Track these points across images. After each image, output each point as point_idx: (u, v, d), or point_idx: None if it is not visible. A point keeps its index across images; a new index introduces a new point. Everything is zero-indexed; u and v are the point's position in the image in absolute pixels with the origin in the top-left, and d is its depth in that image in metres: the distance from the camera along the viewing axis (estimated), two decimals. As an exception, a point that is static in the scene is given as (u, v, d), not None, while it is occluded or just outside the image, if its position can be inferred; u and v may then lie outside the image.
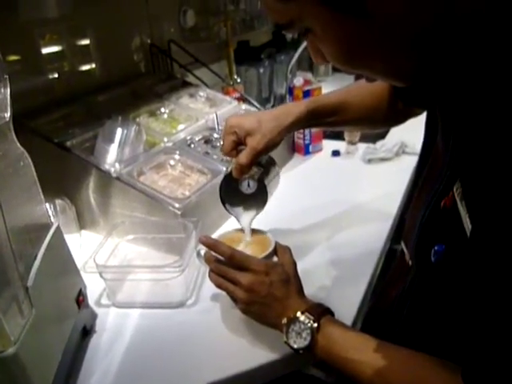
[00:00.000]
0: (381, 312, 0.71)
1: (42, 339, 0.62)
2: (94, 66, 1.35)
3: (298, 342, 0.63)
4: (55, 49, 1.24)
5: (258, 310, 0.68)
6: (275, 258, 0.76)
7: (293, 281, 0.69)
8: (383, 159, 1.36)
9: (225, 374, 0.69)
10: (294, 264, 0.73)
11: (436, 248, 0.52)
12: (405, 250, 0.67)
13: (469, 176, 0.47)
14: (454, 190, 0.49)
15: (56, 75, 1.24)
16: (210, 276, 0.73)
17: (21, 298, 0.58)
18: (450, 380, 0.49)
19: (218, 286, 0.72)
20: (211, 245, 0.71)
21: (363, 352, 0.60)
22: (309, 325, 0.63)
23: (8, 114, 0.59)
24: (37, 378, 0.57)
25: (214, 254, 0.72)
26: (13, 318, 0.56)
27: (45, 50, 1.21)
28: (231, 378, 0.70)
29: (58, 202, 1.04)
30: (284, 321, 0.65)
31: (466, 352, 0.48)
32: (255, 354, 0.72)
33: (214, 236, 0.80)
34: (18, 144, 0.66)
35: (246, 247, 0.78)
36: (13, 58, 1.12)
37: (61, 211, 1.04)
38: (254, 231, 0.82)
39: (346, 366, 0.60)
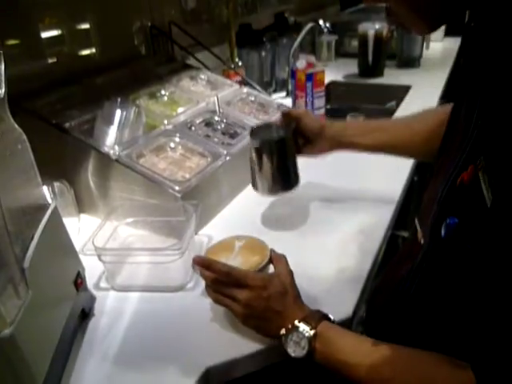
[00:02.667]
0: (387, 290, 0.70)
1: (39, 321, 0.61)
2: (93, 47, 1.32)
3: (297, 352, 0.63)
4: (54, 32, 1.21)
5: (257, 324, 0.69)
6: (271, 267, 0.75)
7: (290, 291, 0.69)
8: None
9: (224, 358, 0.69)
10: (291, 273, 0.72)
11: (448, 221, 0.51)
12: (418, 228, 0.66)
13: (495, 150, 0.46)
14: (477, 164, 0.48)
15: (55, 57, 1.22)
16: (207, 291, 0.73)
17: (17, 280, 0.57)
18: (459, 375, 0.48)
19: (216, 301, 0.72)
20: (206, 265, 0.70)
21: (364, 355, 0.59)
22: (306, 334, 0.63)
23: (2, 91, 0.57)
24: (33, 360, 0.56)
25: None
26: (9, 300, 0.55)
27: (44, 33, 1.18)
28: (231, 362, 0.69)
29: (57, 184, 1.02)
30: (282, 331, 0.65)
31: (475, 342, 0.47)
32: (255, 338, 0.71)
33: (211, 244, 0.80)
34: (15, 124, 0.64)
35: (240, 254, 0.76)
36: (12, 41, 1.10)
37: (59, 194, 1.02)
38: (247, 238, 0.80)
39: (349, 370, 0.60)
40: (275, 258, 0.74)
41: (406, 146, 0.95)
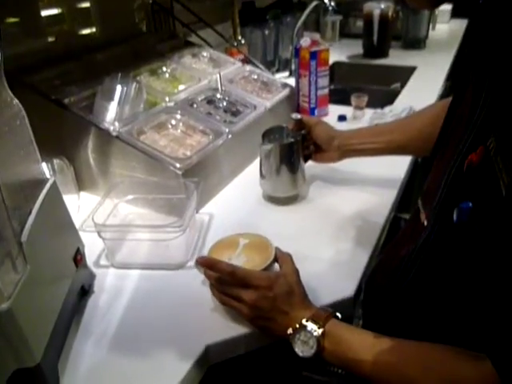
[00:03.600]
0: (387, 270, 0.69)
1: (38, 297, 0.60)
2: (93, 25, 1.29)
3: (305, 351, 0.62)
4: (54, 10, 1.18)
5: (264, 324, 0.67)
6: (276, 265, 0.73)
7: (296, 290, 0.67)
8: (391, 125, 1.32)
9: (224, 337, 0.68)
10: (296, 272, 0.71)
11: (461, 206, 0.49)
12: (421, 209, 0.64)
13: (507, 131, 0.45)
14: (487, 145, 0.46)
15: (55, 35, 1.19)
16: (212, 291, 0.72)
17: (14, 254, 0.56)
18: (480, 368, 0.47)
19: (222, 303, 0.71)
20: (210, 265, 0.69)
21: (374, 351, 0.58)
22: (315, 333, 0.62)
23: (-2, 59, 0.55)
24: (32, 335, 0.56)
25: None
26: (6, 274, 0.54)
27: (44, 11, 1.16)
28: (231, 340, 0.68)
29: (56, 161, 1.01)
30: (289, 331, 0.64)
31: (484, 329, 0.45)
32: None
33: (217, 238, 0.78)
34: (13, 96, 0.62)
35: (244, 252, 0.74)
36: (12, 19, 1.07)
37: (58, 171, 1.01)
38: (252, 235, 0.78)
39: (360, 367, 0.59)
40: (280, 257, 0.73)
41: (414, 144, 0.95)
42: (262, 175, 1.00)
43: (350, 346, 0.61)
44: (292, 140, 0.97)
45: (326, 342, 0.61)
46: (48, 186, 0.67)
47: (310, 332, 0.62)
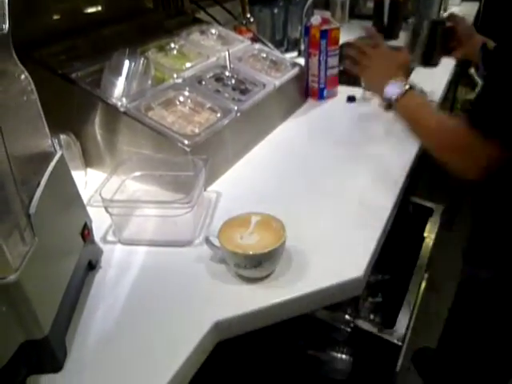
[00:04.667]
0: None
1: (46, 269, 0.59)
2: (99, 1, 1.27)
3: (393, 90, 0.93)
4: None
5: (372, 71, 1.01)
6: (287, 245, 0.73)
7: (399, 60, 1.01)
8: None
9: (233, 313, 0.67)
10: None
11: None
12: None
13: None
14: None
15: (62, 10, 1.16)
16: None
17: (23, 226, 0.55)
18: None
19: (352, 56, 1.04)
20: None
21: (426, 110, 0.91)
22: (405, 87, 0.92)
23: (6, 26, 0.54)
24: (40, 308, 0.55)
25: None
26: (14, 246, 0.53)
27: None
28: (239, 317, 0.68)
29: (63, 137, 1.00)
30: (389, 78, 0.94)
31: None
32: (265, 294, 0.70)
33: (226, 216, 0.77)
34: (24, 70, 0.62)
35: (256, 231, 0.73)
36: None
37: (65, 147, 1.00)
38: (264, 215, 0.77)
39: (414, 116, 0.91)
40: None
41: None
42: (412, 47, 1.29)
43: (416, 104, 0.92)
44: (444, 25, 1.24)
45: (403, 99, 0.91)
46: (56, 158, 0.66)
47: (402, 84, 0.92)
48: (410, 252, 1.26)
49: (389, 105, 0.98)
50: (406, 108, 0.92)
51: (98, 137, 1.01)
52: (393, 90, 0.93)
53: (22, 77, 0.62)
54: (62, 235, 0.66)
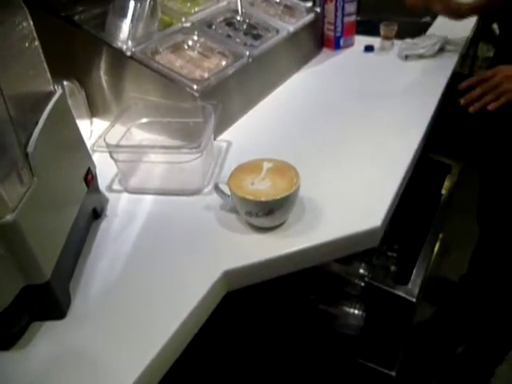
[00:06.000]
0: None
1: (46, 212, 0.56)
2: None
3: None
4: None
5: None
6: (301, 193, 0.69)
7: None
8: (422, 56, 1.24)
9: (243, 263, 0.64)
10: None
11: None
12: None
13: None
14: None
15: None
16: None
17: (20, 165, 0.52)
18: None
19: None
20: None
21: None
22: None
23: None
24: (40, 251, 0.52)
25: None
26: (11, 185, 0.50)
27: None
28: (249, 266, 0.65)
29: (67, 84, 0.96)
30: None
31: None
32: (276, 243, 0.67)
33: (236, 166, 0.72)
34: (28, 18, 0.58)
35: (268, 177, 0.69)
36: None
37: (69, 94, 0.96)
38: (276, 161, 0.72)
39: None
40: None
41: None
42: None
43: None
44: None
45: None
46: (56, 97, 0.63)
47: None
48: (425, 210, 1.22)
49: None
50: None
51: (103, 83, 0.97)
52: None
53: (24, 23, 0.58)
54: (64, 178, 0.63)
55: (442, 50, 1.27)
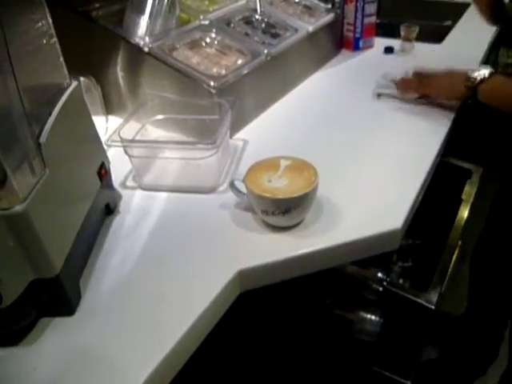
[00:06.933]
0: None
1: (57, 205, 0.55)
2: None
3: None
4: None
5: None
6: (319, 192, 0.67)
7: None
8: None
9: (258, 262, 0.62)
10: None
11: None
12: None
13: None
14: None
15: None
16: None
17: (32, 155, 0.51)
18: None
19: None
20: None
21: None
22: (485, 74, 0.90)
23: None
24: (50, 244, 0.51)
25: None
26: (23, 176, 0.49)
27: None
28: (264, 266, 0.62)
29: (83, 80, 0.95)
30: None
31: None
32: (292, 243, 0.65)
33: (253, 162, 0.70)
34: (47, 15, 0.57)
35: (285, 175, 0.67)
36: None
37: (85, 90, 0.95)
38: (294, 159, 0.70)
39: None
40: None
41: None
42: None
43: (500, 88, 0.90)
44: None
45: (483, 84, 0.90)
46: (71, 88, 0.61)
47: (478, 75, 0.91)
48: (444, 216, 1.19)
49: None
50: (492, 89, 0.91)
51: (120, 79, 0.96)
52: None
53: (43, 21, 0.58)
54: (77, 171, 0.61)
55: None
